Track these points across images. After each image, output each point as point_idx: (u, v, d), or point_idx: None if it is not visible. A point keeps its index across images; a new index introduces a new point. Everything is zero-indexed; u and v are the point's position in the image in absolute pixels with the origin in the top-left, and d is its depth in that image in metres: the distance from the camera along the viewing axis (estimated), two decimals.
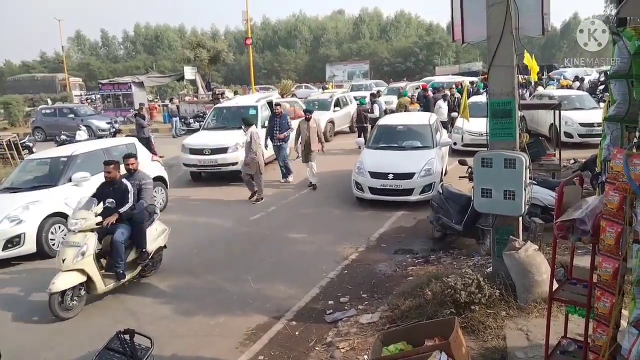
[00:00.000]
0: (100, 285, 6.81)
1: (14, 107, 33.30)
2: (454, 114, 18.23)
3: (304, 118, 13.42)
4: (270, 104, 16.60)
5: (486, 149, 5.83)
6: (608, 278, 3.16)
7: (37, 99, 43.09)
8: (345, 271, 7.74)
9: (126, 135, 18.69)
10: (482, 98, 16.35)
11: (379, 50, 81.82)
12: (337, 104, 22.45)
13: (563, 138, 13.28)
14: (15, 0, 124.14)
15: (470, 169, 7.35)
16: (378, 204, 10.85)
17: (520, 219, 5.87)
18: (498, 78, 5.58)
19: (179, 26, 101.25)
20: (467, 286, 5.36)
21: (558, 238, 3.67)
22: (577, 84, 26.39)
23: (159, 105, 34.67)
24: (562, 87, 24.88)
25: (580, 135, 15.61)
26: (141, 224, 7.40)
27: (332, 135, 21.14)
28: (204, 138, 14.69)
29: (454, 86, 23.03)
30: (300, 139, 13.26)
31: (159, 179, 11.85)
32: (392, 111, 20.27)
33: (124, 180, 7.41)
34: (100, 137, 21.64)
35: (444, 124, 17.65)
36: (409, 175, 10.66)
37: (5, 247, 8.60)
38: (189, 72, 34.83)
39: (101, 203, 7.03)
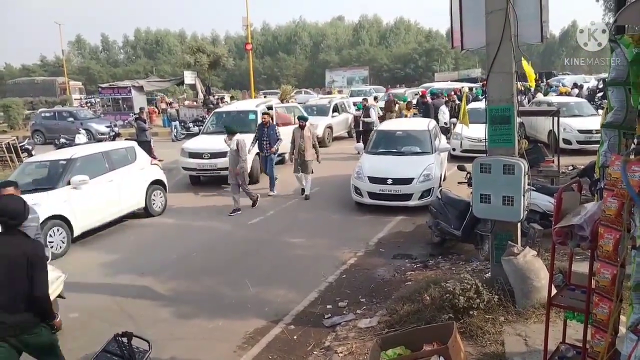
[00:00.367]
0: None
1: (14, 110, 33.36)
2: (454, 119, 18.29)
3: (297, 126, 12.91)
4: (269, 109, 16.64)
5: (485, 154, 5.85)
6: (606, 284, 3.17)
7: (36, 102, 43.13)
8: (344, 276, 7.75)
9: (125, 139, 18.72)
10: (481, 104, 16.39)
11: (378, 57, 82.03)
12: (336, 109, 22.51)
13: (562, 145, 13.31)
14: (16, 4, 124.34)
15: (469, 175, 7.37)
16: (377, 209, 10.87)
17: (519, 224, 5.87)
18: (497, 85, 5.60)
19: (179, 31, 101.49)
20: (465, 291, 5.36)
21: (557, 244, 3.68)
22: (576, 91, 26.46)
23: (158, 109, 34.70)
24: (561, 94, 24.95)
25: (579, 142, 15.67)
26: None
27: (330, 140, 21.19)
28: (204, 142, 14.70)
29: (453, 92, 23.09)
30: (294, 148, 12.70)
31: (158, 183, 11.89)
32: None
33: None
34: (100, 140, 21.71)
35: (447, 129, 17.74)
36: (407, 181, 10.68)
37: None
38: (189, 77, 34.89)
39: None
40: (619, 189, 2.99)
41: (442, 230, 8.29)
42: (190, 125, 26.35)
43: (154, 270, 8.29)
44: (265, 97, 31.19)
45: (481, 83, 31.22)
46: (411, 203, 10.63)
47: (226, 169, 12.54)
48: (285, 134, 13.86)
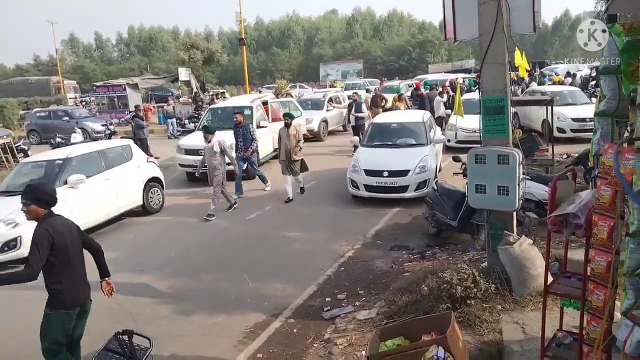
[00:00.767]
0: None
1: (9, 111, 33.19)
2: (448, 111, 18.32)
3: (283, 125, 12.02)
4: (265, 104, 16.63)
5: (480, 145, 5.88)
6: (601, 271, 3.19)
7: (31, 102, 42.95)
8: (342, 268, 7.79)
9: (121, 137, 18.70)
10: (475, 95, 16.41)
11: (372, 49, 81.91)
12: (331, 103, 22.48)
13: (556, 133, 13.37)
14: (8, 3, 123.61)
15: (464, 166, 7.39)
16: (373, 201, 10.90)
17: (515, 213, 5.91)
18: (490, 75, 5.62)
19: (173, 28, 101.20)
20: (462, 281, 5.41)
21: (552, 232, 3.70)
22: (569, 79, 26.51)
23: (153, 107, 34.62)
24: (554, 83, 25.00)
25: (573, 130, 15.70)
26: None
27: (325, 134, 21.19)
28: (199, 139, 14.63)
29: (447, 84, 23.08)
30: (279, 147, 11.98)
31: (155, 180, 11.90)
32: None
33: None
34: (96, 139, 21.63)
35: (443, 120, 17.80)
36: (403, 173, 10.71)
37: (1, 251, 8.60)
38: (184, 74, 34.76)
39: None
40: (612, 177, 3.01)
41: (439, 221, 8.33)
42: (186, 122, 26.30)
43: (153, 267, 8.32)
44: (260, 92, 31.13)
45: (475, 74, 31.24)
46: (407, 195, 10.67)
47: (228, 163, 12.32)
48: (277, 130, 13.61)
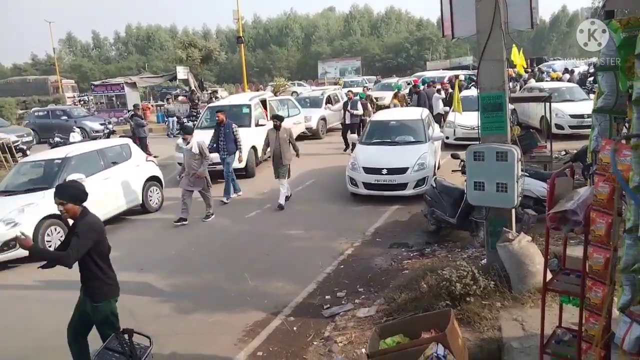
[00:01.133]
0: None
1: (7, 110, 33.22)
2: (446, 108, 18.32)
3: (272, 126, 11.30)
4: (263, 102, 16.62)
5: (478, 142, 5.89)
6: (599, 268, 3.20)
7: (29, 101, 42.87)
8: (342, 266, 7.79)
9: (120, 136, 18.69)
10: (473, 92, 16.42)
11: (370, 47, 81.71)
12: (329, 101, 22.45)
13: (554, 130, 13.36)
14: (4, 3, 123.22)
15: (462, 163, 7.41)
16: (372, 199, 10.91)
17: (513, 210, 5.93)
18: (488, 72, 5.63)
19: (171, 26, 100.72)
20: (462, 278, 5.42)
21: (551, 229, 3.71)
22: (567, 76, 26.52)
23: (152, 106, 34.58)
24: (552, 79, 25.00)
25: (571, 127, 15.71)
26: None
27: (324, 132, 21.18)
28: (198, 137, 14.62)
29: (446, 81, 23.07)
30: (268, 150, 11.35)
31: (154, 179, 11.90)
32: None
33: None
34: (94, 138, 21.61)
35: (442, 117, 17.79)
36: (402, 170, 10.72)
37: (1, 250, 8.59)
38: (182, 72, 34.74)
39: None
40: (610, 173, 3.01)
41: (438, 218, 8.34)
42: (185, 120, 26.24)
43: (153, 266, 8.33)
44: (264, 89, 31.04)
45: (475, 71, 31.22)
46: (406, 192, 10.68)
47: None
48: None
